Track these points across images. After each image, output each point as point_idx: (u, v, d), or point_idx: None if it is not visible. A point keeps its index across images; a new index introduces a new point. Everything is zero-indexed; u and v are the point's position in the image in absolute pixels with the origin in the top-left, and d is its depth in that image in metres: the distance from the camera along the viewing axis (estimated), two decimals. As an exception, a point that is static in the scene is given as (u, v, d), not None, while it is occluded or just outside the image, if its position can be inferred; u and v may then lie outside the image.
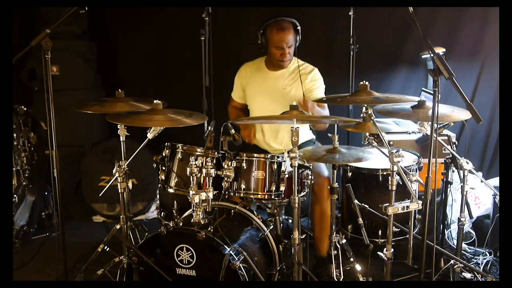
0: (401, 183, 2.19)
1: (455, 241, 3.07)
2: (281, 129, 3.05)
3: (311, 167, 2.56)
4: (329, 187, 2.53)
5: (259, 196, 2.52)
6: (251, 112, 3.19)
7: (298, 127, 2.15)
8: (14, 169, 3.50)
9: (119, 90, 2.56)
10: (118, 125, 2.47)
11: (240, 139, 2.53)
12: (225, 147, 2.50)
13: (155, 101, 2.38)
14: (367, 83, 2.34)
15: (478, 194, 3.36)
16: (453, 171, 2.73)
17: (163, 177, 2.64)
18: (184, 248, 2.28)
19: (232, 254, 2.25)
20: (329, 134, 2.40)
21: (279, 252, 2.61)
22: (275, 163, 2.49)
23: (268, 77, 3.06)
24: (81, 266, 2.78)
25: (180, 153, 2.58)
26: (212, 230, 2.31)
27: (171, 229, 2.31)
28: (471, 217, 2.71)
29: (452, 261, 2.60)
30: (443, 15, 3.80)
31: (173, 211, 2.54)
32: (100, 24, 4.19)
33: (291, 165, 2.24)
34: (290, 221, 3.25)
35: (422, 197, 2.14)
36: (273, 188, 2.50)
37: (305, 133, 3.15)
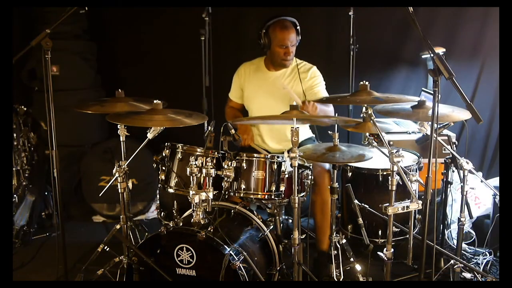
0: (401, 183, 2.19)
1: (455, 241, 3.07)
2: (280, 129, 3.05)
3: (311, 166, 2.56)
4: (329, 176, 2.53)
5: (259, 196, 2.52)
6: (250, 113, 3.19)
7: (298, 127, 2.15)
8: (14, 169, 3.50)
9: (119, 90, 2.56)
10: (118, 125, 2.47)
11: (240, 139, 2.53)
12: (225, 147, 2.50)
13: (155, 101, 2.38)
14: (367, 83, 2.34)
15: (478, 194, 3.36)
16: (453, 171, 2.72)
17: (163, 177, 2.64)
18: (184, 248, 2.27)
19: (232, 254, 2.25)
20: (329, 132, 2.40)
21: (279, 252, 2.61)
22: (275, 163, 2.49)
23: (267, 77, 3.06)
24: (81, 266, 2.78)
25: (180, 153, 2.58)
26: (212, 230, 2.31)
27: (171, 229, 2.31)
28: (471, 217, 2.71)
29: (452, 261, 2.60)
30: (443, 15, 3.80)
31: (173, 211, 2.54)
32: (100, 24, 4.18)
33: (291, 165, 2.24)
34: (290, 221, 3.25)
35: (422, 197, 2.14)
36: (273, 188, 2.50)
37: (305, 131, 3.15)
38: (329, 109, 2.96)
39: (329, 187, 2.53)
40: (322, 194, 2.74)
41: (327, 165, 2.84)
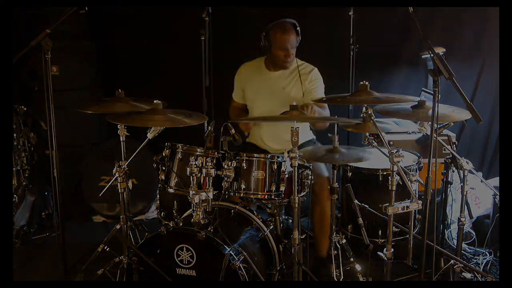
0: (401, 183, 2.19)
1: (455, 241, 3.07)
2: (281, 129, 3.05)
3: (311, 167, 2.56)
4: (329, 187, 2.54)
5: (259, 196, 2.52)
6: (250, 112, 3.19)
7: (298, 127, 2.15)
8: (14, 169, 3.49)
9: (119, 90, 2.56)
10: (118, 125, 2.47)
11: (240, 139, 2.53)
12: (225, 147, 2.50)
13: (155, 101, 2.39)
14: (367, 83, 2.34)
15: (478, 194, 3.36)
16: (453, 171, 2.72)
17: (163, 177, 2.63)
18: (184, 248, 2.27)
19: (232, 254, 2.25)
20: (329, 134, 2.41)
21: (279, 252, 2.61)
22: (275, 163, 2.49)
23: (268, 77, 3.06)
24: (81, 266, 2.78)
25: (180, 153, 2.58)
26: (212, 230, 2.31)
27: (171, 229, 2.31)
28: (471, 217, 2.71)
29: (452, 261, 2.60)
30: (443, 15, 3.80)
31: (173, 211, 2.54)
32: (100, 24, 4.19)
33: (291, 165, 2.24)
34: (290, 221, 3.24)
35: (422, 197, 2.14)
36: (273, 188, 2.50)
37: (305, 133, 3.15)
38: (325, 112, 2.96)
39: (329, 187, 2.53)
40: (321, 204, 2.74)
41: (326, 173, 2.83)
